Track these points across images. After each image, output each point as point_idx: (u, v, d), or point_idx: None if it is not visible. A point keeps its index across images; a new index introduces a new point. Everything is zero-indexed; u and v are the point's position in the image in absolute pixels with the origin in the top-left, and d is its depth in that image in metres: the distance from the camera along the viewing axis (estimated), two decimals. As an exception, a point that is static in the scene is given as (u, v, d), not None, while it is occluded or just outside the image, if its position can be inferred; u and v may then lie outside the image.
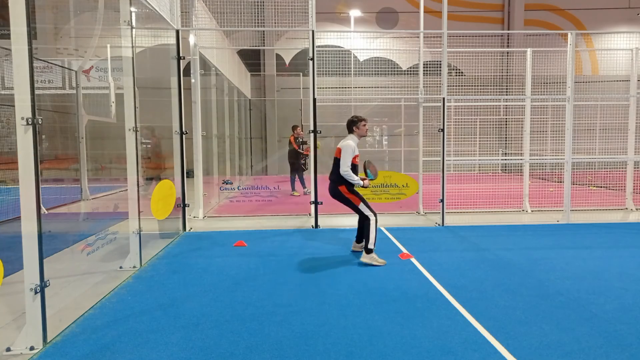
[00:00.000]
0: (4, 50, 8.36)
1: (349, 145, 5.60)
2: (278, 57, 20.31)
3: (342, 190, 5.63)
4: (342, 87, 15.45)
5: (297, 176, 11.92)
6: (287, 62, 20.35)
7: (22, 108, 3.16)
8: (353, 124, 5.78)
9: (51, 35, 13.20)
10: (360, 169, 5.91)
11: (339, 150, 5.64)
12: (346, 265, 5.44)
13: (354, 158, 5.62)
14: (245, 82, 16.62)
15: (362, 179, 5.64)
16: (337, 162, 5.67)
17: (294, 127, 12.05)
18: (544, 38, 17.90)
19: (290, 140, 11.87)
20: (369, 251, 5.46)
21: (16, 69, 3.15)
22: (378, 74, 15.15)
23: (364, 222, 5.59)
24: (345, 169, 5.52)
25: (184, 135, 7.38)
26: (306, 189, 11.69)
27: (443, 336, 3.48)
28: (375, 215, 5.55)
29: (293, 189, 11.93)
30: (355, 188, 5.68)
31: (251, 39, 19.26)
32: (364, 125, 5.81)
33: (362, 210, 5.57)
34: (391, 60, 18.43)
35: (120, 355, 3.21)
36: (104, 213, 9.01)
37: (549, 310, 3.99)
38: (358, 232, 6.04)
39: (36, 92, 3.22)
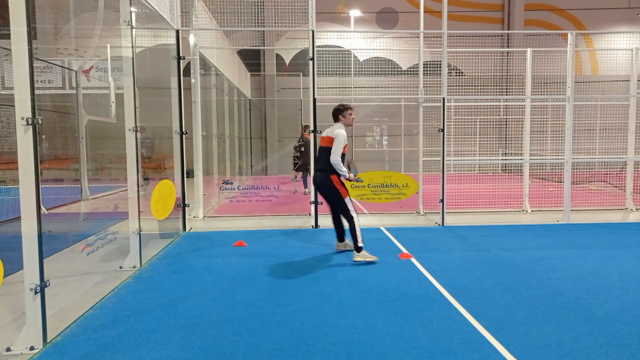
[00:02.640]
0: (4, 50, 8.35)
1: (342, 134, 5.51)
2: (278, 57, 20.30)
3: (333, 179, 5.52)
4: (342, 87, 15.45)
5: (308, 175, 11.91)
6: (287, 62, 20.35)
7: (22, 108, 3.16)
8: (339, 112, 5.69)
9: (51, 35, 13.20)
10: (345, 164, 5.86)
11: (329, 139, 5.51)
12: (346, 265, 5.44)
13: (344, 148, 5.55)
14: (245, 82, 16.61)
15: (349, 172, 5.59)
16: (324, 151, 5.55)
17: (307, 127, 12.04)
18: (544, 38, 17.90)
19: (307, 139, 11.82)
20: (359, 249, 5.45)
21: (16, 69, 3.15)
22: (378, 74, 15.16)
23: (346, 219, 5.55)
24: (336, 158, 5.44)
25: (184, 135, 7.38)
26: (306, 189, 11.69)
27: (443, 336, 3.48)
28: (357, 212, 5.55)
29: (306, 187, 11.94)
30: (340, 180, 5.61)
31: (251, 39, 19.25)
32: (350, 114, 5.71)
33: (347, 205, 5.52)
34: (391, 60, 18.42)
35: (120, 355, 3.21)
36: (104, 213, 9.01)
37: (549, 310, 3.99)
38: (337, 230, 5.99)
39: (36, 92, 3.21)
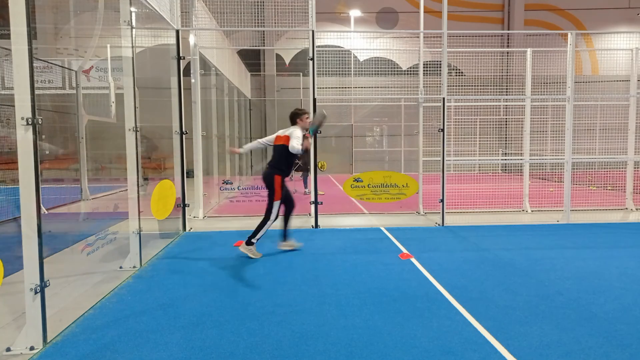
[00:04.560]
0: (4, 50, 8.36)
1: (298, 133, 5.74)
2: (278, 57, 20.32)
3: (275, 179, 5.76)
4: (342, 87, 15.46)
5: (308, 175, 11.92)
6: (287, 62, 20.36)
7: (22, 108, 3.16)
8: (297, 116, 5.99)
9: (51, 35, 13.20)
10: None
11: (286, 138, 5.75)
12: (346, 265, 5.44)
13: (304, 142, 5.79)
14: (245, 82, 16.62)
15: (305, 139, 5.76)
16: (279, 148, 5.83)
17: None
18: (544, 38, 17.90)
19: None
20: (250, 244, 5.74)
21: (16, 69, 3.15)
22: (378, 74, 15.16)
23: (264, 216, 5.78)
24: (297, 145, 5.56)
25: (184, 135, 7.38)
26: (307, 190, 11.69)
27: (443, 336, 3.48)
28: (276, 219, 5.81)
29: (306, 187, 11.93)
30: (283, 184, 5.85)
31: (251, 39, 19.26)
32: (307, 117, 6.02)
33: (273, 207, 5.77)
34: (391, 60, 18.43)
35: (120, 355, 3.21)
36: (104, 213, 9.01)
37: (549, 310, 3.99)
38: (284, 229, 6.16)
39: (36, 92, 3.21)
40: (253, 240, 5.76)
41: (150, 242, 6.13)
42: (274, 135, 6.06)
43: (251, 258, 5.72)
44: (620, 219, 8.57)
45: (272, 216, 5.78)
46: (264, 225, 5.77)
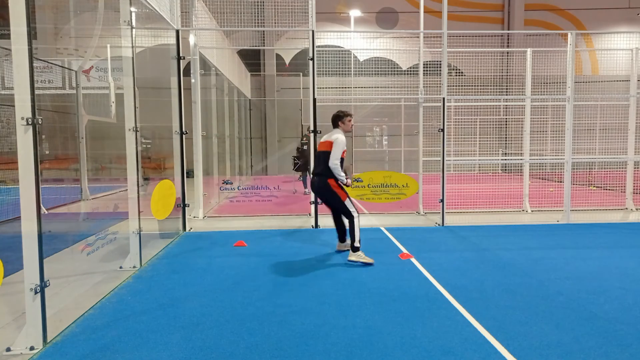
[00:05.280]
0: (4, 50, 8.35)
1: (342, 139, 5.55)
2: (278, 57, 20.31)
3: (331, 183, 5.55)
4: (342, 87, 15.45)
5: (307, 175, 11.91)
6: (287, 62, 20.36)
7: (22, 108, 3.16)
8: (339, 119, 5.74)
9: (51, 35, 13.20)
10: (343, 170, 5.83)
11: (329, 144, 5.53)
12: (346, 265, 5.44)
13: (343, 152, 5.58)
14: (245, 82, 16.62)
15: (346, 177, 5.61)
16: (323, 155, 5.57)
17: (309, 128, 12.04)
18: (544, 38, 17.91)
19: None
20: (355, 249, 5.46)
21: (16, 69, 3.15)
22: (378, 74, 15.14)
23: (347, 219, 5.55)
24: (335, 162, 5.47)
25: (184, 135, 7.38)
26: (306, 190, 11.69)
27: (443, 336, 3.48)
28: (358, 212, 5.56)
29: (305, 187, 11.93)
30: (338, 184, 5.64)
31: (251, 39, 19.26)
32: (350, 120, 5.77)
33: (348, 206, 5.53)
34: (391, 60, 18.42)
35: (120, 355, 3.21)
36: (104, 213, 9.00)
37: (549, 310, 3.99)
38: (338, 231, 6.00)
39: (36, 92, 3.22)
40: (357, 245, 5.43)
41: (150, 242, 6.13)
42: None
43: (365, 264, 5.37)
44: (620, 219, 8.57)
45: (354, 213, 5.50)
46: (353, 225, 5.46)
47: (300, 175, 12.64)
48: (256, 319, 3.82)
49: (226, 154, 11.87)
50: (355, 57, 16.94)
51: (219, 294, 4.44)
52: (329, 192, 5.58)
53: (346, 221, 5.73)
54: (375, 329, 3.61)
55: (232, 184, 9.36)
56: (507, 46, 19.20)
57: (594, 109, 11.56)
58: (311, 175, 5.73)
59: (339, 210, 5.69)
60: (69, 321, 3.76)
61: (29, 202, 3.21)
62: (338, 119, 5.75)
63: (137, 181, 5.30)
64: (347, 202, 5.56)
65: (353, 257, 5.46)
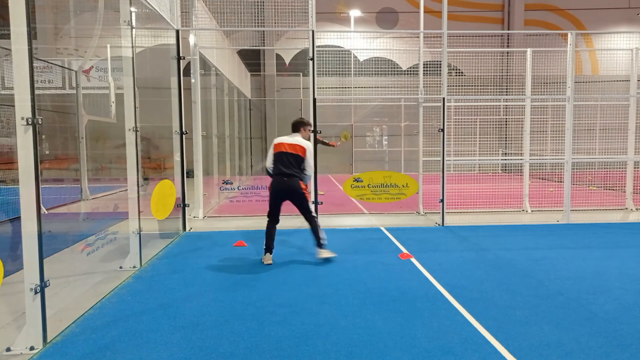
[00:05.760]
0: (4, 50, 8.35)
1: (312, 147, 5.87)
2: (278, 57, 20.32)
3: (301, 185, 5.71)
4: (342, 87, 15.46)
5: None
6: (287, 62, 20.36)
7: (22, 108, 3.16)
8: (302, 125, 5.90)
9: (51, 35, 13.20)
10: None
11: (301, 149, 5.65)
12: (346, 265, 5.44)
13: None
14: (245, 82, 16.62)
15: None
16: (294, 158, 5.66)
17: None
18: (544, 38, 17.91)
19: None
20: (323, 246, 5.70)
21: (16, 69, 3.15)
22: (378, 74, 15.15)
23: (310, 220, 5.78)
24: (312, 169, 5.83)
25: (184, 135, 7.38)
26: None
27: (443, 336, 3.48)
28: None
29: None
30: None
31: (251, 39, 19.27)
32: (309, 130, 6.02)
33: (311, 208, 5.83)
34: (391, 60, 18.43)
35: (120, 355, 3.21)
36: (104, 213, 9.01)
37: (549, 310, 3.99)
38: (271, 242, 5.78)
39: (36, 92, 3.22)
40: (323, 242, 5.70)
41: (150, 242, 6.13)
42: (272, 145, 5.78)
43: (327, 257, 5.67)
44: (620, 219, 8.57)
45: (313, 212, 5.86)
46: (317, 226, 5.74)
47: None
48: (256, 319, 3.82)
49: (226, 154, 11.86)
50: (355, 57, 16.94)
51: (219, 294, 4.44)
52: (302, 194, 5.71)
53: (307, 222, 5.91)
54: (375, 329, 3.61)
55: (232, 184, 9.34)
56: (507, 46, 19.21)
57: (594, 109, 11.57)
58: (276, 175, 5.68)
59: (306, 211, 5.79)
60: (69, 321, 3.76)
61: (29, 202, 3.21)
62: (301, 125, 5.88)
63: (137, 181, 5.30)
64: (310, 204, 5.85)
65: (324, 253, 5.66)
